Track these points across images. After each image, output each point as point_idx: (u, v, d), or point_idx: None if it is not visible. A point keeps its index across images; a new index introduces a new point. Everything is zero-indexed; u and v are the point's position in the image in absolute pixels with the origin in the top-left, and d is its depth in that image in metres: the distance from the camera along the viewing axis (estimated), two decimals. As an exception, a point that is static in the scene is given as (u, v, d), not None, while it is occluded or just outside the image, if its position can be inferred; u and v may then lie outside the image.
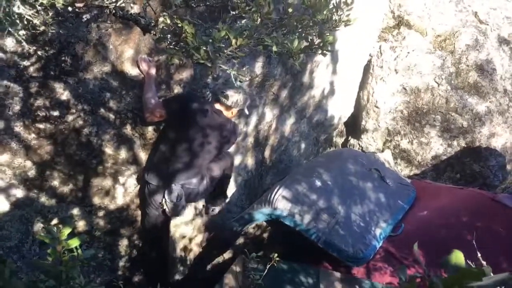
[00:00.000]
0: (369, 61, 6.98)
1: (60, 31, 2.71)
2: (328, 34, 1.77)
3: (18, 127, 2.88)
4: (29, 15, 1.11)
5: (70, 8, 1.31)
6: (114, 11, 1.70)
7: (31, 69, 2.80)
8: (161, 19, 1.62)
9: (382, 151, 6.98)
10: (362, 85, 7.04)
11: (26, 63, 2.75)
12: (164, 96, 3.45)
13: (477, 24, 7.10)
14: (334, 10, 1.81)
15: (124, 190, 3.61)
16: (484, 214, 4.17)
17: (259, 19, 1.65)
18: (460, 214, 4.24)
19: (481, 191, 5.07)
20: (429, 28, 6.98)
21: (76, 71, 2.94)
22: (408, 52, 6.86)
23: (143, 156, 3.56)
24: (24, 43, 1.25)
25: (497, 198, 4.33)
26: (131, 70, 3.19)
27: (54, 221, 3.30)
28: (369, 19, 5.84)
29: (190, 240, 4.38)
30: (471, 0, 7.23)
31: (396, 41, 6.99)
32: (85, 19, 2.82)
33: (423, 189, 5.03)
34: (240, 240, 5.02)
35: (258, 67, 4.10)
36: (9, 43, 2.65)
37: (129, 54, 3.13)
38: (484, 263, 1.91)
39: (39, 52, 2.69)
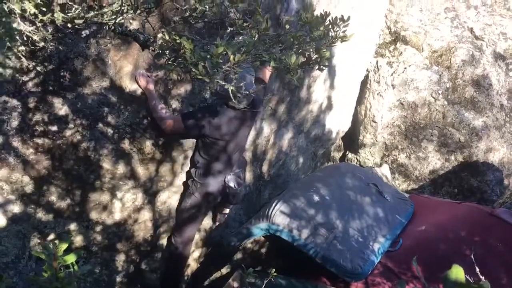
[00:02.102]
0: (366, 76, 7.03)
1: (59, 47, 2.73)
2: (325, 50, 1.79)
3: (16, 142, 2.88)
4: (29, 32, 1.12)
5: (69, 25, 1.32)
6: (113, 27, 1.72)
7: (30, 84, 2.80)
8: (159, 35, 1.63)
9: (380, 165, 6.99)
10: (360, 100, 7.08)
11: (25, 78, 2.76)
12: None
13: (473, 40, 7.17)
14: (330, 27, 1.84)
15: (122, 205, 3.59)
16: (482, 229, 4.17)
17: (256, 35, 1.67)
18: (458, 229, 4.23)
19: (479, 205, 5.07)
20: (425, 44, 7.05)
21: (74, 86, 2.95)
22: (405, 68, 6.91)
23: (141, 170, 3.56)
24: (23, 59, 1.26)
25: (495, 212, 4.33)
26: (130, 85, 3.20)
27: (51, 237, 3.28)
28: (366, 35, 5.89)
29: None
30: (466, 16, 7.31)
31: (393, 56, 7.05)
32: (84, 35, 2.84)
33: (421, 204, 5.03)
34: (238, 255, 4.99)
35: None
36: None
37: (128, 69, 3.14)
38: (483, 278, 1.91)
39: (38, 68, 2.70)
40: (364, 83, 7.01)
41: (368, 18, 5.71)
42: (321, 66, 1.78)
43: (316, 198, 4.27)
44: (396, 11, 7.23)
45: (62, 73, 2.88)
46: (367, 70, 6.94)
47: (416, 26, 7.13)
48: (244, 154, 4.03)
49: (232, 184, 3.74)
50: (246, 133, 3.78)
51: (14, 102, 2.79)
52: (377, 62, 7.05)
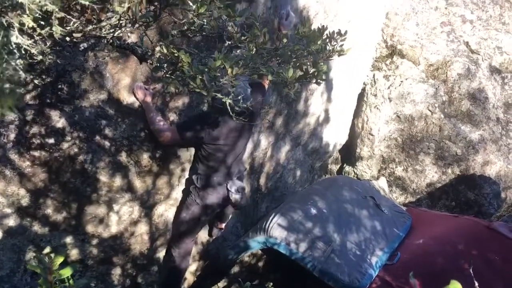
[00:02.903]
0: (363, 90, 7.07)
1: (58, 60, 2.73)
2: (322, 63, 1.80)
3: (13, 155, 2.87)
4: (27, 45, 1.13)
5: (68, 38, 1.33)
6: (111, 41, 1.72)
7: (28, 97, 2.80)
8: (157, 48, 1.64)
9: (377, 178, 6.99)
10: (357, 113, 7.11)
11: (22, 91, 2.76)
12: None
13: (469, 53, 7.23)
14: (327, 41, 1.85)
15: (118, 218, 3.57)
16: (480, 243, 4.16)
17: (254, 49, 1.68)
18: (456, 242, 4.22)
19: (476, 219, 5.07)
20: (422, 58, 7.10)
21: (72, 99, 2.95)
22: (402, 81, 6.95)
23: (138, 183, 3.55)
24: (21, 72, 1.26)
25: (493, 226, 4.33)
26: (128, 98, 3.20)
27: (47, 250, 3.24)
28: (363, 49, 5.93)
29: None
30: (462, 30, 7.38)
31: (390, 70, 7.10)
32: (82, 48, 2.85)
33: (419, 217, 5.02)
34: (235, 269, 4.96)
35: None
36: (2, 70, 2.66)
37: (125, 82, 3.15)
38: (481, 292, 1.90)
39: (35, 81, 2.70)
40: (361, 96, 7.05)
41: (365, 32, 5.76)
42: (318, 80, 1.79)
43: (313, 211, 4.26)
44: (392, 25, 7.30)
45: (60, 86, 2.88)
46: (364, 83, 6.97)
47: (412, 40, 7.20)
48: (243, 162, 4.03)
49: (234, 190, 3.74)
50: (245, 140, 3.79)
51: (12, 114, 2.78)
52: (373, 75, 7.09)
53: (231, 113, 1.68)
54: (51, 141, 2.98)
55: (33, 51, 1.17)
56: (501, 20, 7.72)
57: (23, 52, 1.18)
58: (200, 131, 3.41)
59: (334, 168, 7.78)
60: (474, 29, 7.49)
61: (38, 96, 2.83)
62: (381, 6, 6.20)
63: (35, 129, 2.90)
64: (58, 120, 2.97)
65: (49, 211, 3.18)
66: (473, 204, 6.97)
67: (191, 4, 1.60)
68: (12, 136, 2.83)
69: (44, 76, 2.80)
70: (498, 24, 7.66)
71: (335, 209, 4.41)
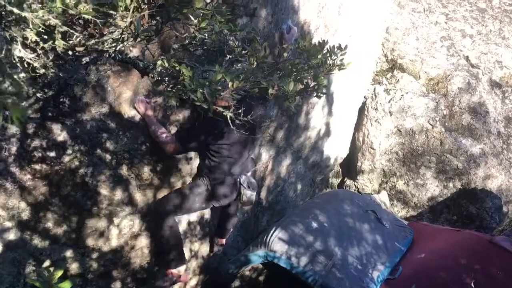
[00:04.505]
0: (364, 103, 7.09)
1: (60, 74, 2.75)
2: (322, 77, 1.80)
3: (14, 168, 2.87)
4: (30, 59, 1.14)
5: (70, 52, 1.34)
6: (113, 55, 1.74)
7: (29, 110, 2.81)
8: (159, 62, 1.65)
9: (378, 192, 6.98)
10: (357, 126, 7.12)
11: (24, 104, 2.77)
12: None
13: (469, 68, 7.26)
14: (328, 55, 1.86)
15: (119, 232, 3.56)
16: (482, 257, 4.14)
17: (255, 63, 1.69)
18: (458, 256, 4.19)
19: (478, 233, 5.05)
20: (422, 72, 7.13)
21: (74, 112, 2.96)
22: (402, 95, 6.97)
23: (138, 197, 3.54)
24: (23, 85, 1.27)
25: (494, 240, 4.30)
26: (129, 111, 3.21)
27: (46, 264, 3.24)
28: (363, 63, 5.96)
29: (185, 282, 4.30)
30: (462, 45, 7.43)
31: (390, 83, 7.13)
32: (85, 61, 2.86)
33: (420, 231, 5.00)
34: (236, 283, 4.93)
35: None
36: (7, 84, 2.67)
37: (127, 95, 3.16)
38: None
39: (37, 94, 2.72)
40: (362, 110, 7.07)
41: (365, 46, 5.79)
42: (319, 94, 1.80)
43: (314, 225, 4.24)
44: (392, 40, 7.35)
45: (61, 99, 2.89)
46: (364, 97, 7.00)
47: (413, 54, 7.24)
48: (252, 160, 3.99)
49: (246, 185, 3.73)
50: (248, 142, 3.78)
51: (13, 128, 2.79)
52: (374, 89, 7.12)
53: (231, 126, 1.68)
54: (52, 154, 2.98)
55: (36, 64, 1.18)
56: (501, 34, 7.78)
57: (25, 65, 1.19)
58: (202, 138, 3.43)
59: (335, 182, 7.77)
60: (474, 44, 7.54)
61: (40, 109, 2.84)
62: (381, 21, 6.24)
63: (36, 143, 2.90)
64: (60, 134, 2.97)
65: (49, 224, 3.17)
66: (475, 218, 6.94)
67: (192, 18, 1.61)
68: (13, 149, 2.83)
69: (46, 90, 2.81)
70: (498, 38, 7.71)
71: (336, 223, 4.39)
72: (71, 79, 2.87)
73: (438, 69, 7.15)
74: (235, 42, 1.80)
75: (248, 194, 3.75)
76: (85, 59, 2.86)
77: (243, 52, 1.79)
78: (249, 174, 3.82)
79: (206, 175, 3.65)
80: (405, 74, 7.14)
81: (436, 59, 7.23)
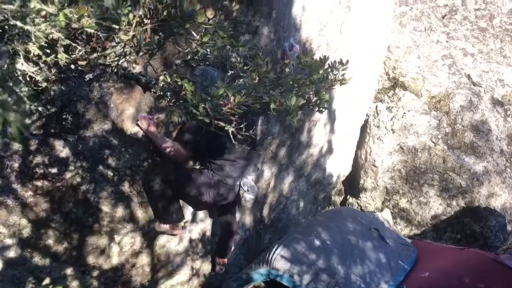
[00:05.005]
0: (366, 121, 7.09)
1: (63, 89, 2.77)
2: (324, 92, 1.81)
3: (16, 185, 2.87)
4: (32, 72, 1.14)
5: (72, 66, 1.34)
6: (116, 70, 1.74)
7: (32, 126, 2.82)
8: (161, 77, 1.66)
9: (381, 210, 6.93)
10: (360, 144, 7.11)
11: (27, 120, 2.78)
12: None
13: (471, 86, 7.28)
14: (329, 70, 1.87)
15: (120, 249, 3.54)
16: (486, 276, 4.09)
17: (257, 78, 1.69)
18: (462, 275, 4.14)
19: (483, 251, 4.99)
20: (424, 90, 7.15)
21: (76, 128, 2.97)
22: (404, 113, 6.98)
23: (140, 214, 3.53)
24: (26, 99, 1.27)
25: (499, 259, 4.26)
26: (131, 128, 3.22)
27: (46, 281, 3.21)
28: (365, 80, 5.99)
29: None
30: (464, 63, 7.47)
31: (392, 101, 7.14)
32: (88, 78, 2.88)
33: (424, 250, 4.95)
34: (238, 302, 4.87)
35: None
36: (9, 99, 2.68)
37: (130, 112, 3.17)
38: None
39: (40, 108, 2.73)
40: (364, 128, 7.07)
41: (367, 64, 5.82)
42: (321, 108, 1.80)
43: (317, 242, 4.21)
44: (394, 58, 7.39)
45: (64, 116, 2.90)
46: (366, 115, 7.01)
47: (414, 72, 7.27)
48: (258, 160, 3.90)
49: (246, 188, 3.69)
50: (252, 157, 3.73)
51: (16, 144, 2.79)
52: (376, 107, 7.13)
53: (233, 140, 1.68)
54: (54, 170, 2.98)
55: (38, 78, 1.19)
56: (502, 53, 7.82)
57: (28, 79, 1.19)
58: (206, 154, 3.46)
59: (338, 199, 7.74)
60: (476, 62, 7.58)
61: (43, 126, 2.85)
62: (383, 39, 6.28)
63: (38, 159, 2.91)
64: (62, 150, 2.97)
65: (50, 241, 3.15)
66: (479, 237, 6.88)
67: (194, 34, 1.63)
68: (15, 165, 2.83)
69: (49, 106, 2.82)
70: (499, 57, 7.75)
71: (339, 240, 4.36)
72: (74, 96, 2.88)
73: (440, 87, 7.17)
74: (237, 58, 1.81)
75: (248, 197, 3.72)
76: (89, 76, 2.88)
77: (245, 67, 1.79)
78: (250, 178, 3.80)
79: (212, 169, 3.58)
80: (407, 92, 7.16)
81: (438, 77, 7.26)
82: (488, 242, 6.81)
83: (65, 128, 2.93)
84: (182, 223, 3.71)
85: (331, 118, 5.43)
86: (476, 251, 4.88)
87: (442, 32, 7.98)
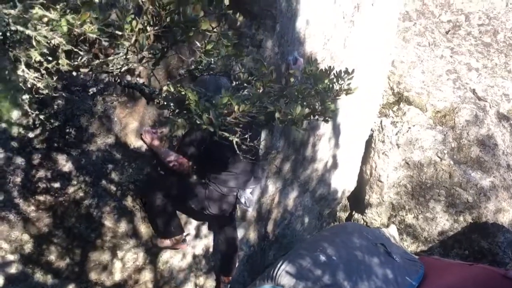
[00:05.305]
0: (371, 136, 7.06)
1: (66, 103, 2.76)
2: (329, 103, 1.78)
3: (18, 199, 2.84)
4: (33, 78, 1.12)
5: (75, 73, 1.33)
6: (119, 80, 1.73)
7: (35, 141, 2.81)
8: (165, 88, 1.64)
9: (387, 226, 6.86)
10: (365, 159, 7.07)
11: (30, 135, 2.77)
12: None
13: (476, 100, 7.26)
14: (335, 80, 1.84)
15: (122, 265, 3.49)
16: (496, 292, 4.01)
17: (261, 88, 1.67)
18: (471, 291, 4.07)
19: (492, 267, 4.91)
20: (429, 104, 7.13)
21: (79, 142, 2.96)
22: (409, 127, 6.94)
23: (143, 229, 3.49)
24: (29, 111, 1.25)
25: (509, 275, 4.18)
26: (135, 142, 3.20)
27: (48, 298, 3.17)
28: (370, 95, 5.98)
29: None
30: (468, 78, 7.45)
31: (397, 116, 7.11)
32: (91, 92, 2.87)
33: (432, 266, 4.88)
34: (242, 320, 4.79)
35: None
36: (14, 114, 2.68)
37: (133, 126, 3.16)
38: None
39: (43, 119, 2.72)
40: (369, 143, 7.03)
41: (371, 79, 5.82)
42: (327, 118, 1.77)
43: (322, 258, 4.15)
44: (398, 73, 7.38)
45: (67, 130, 2.89)
46: (371, 130, 6.98)
47: (419, 87, 7.25)
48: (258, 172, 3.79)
49: (243, 200, 3.57)
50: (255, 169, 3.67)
51: (19, 158, 2.78)
52: (381, 121, 7.10)
53: (237, 151, 1.65)
54: (57, 185, 2.96)
55: (39, 85, 1.17)
56: (506, 68, 7.81)
57: (29, 85, 1.18)
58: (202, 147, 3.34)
59: (343, 215, 7.66)
60: (480, 77, 7.57)
61: (46, 140, 2.84)
62: (387, 54, 6.29)
63: (41, 173, 2.89)
64: (65, 164, 2.96)
65: (52, 257, 3.11)
66: (487, 253, 6.78)
67: (198, 44, 1.61)
68: (18, 180, 2.81)
69: (52, 120, 2.81)
70: (504, 72, 7.74)
71: (345, 256, 4.29)
72: (78, 110, 2.88)
73: (445, 101, 7.14)
74: (241, 68, 1.80)
75: (244, 209, 3.68)
76: (92, 90, 2.88)
77: (249, 78, 1.78)
78: (248, 190, 3.65)
79: (214, 182, 3.52)
80: (411, 106, 7.14)
81: (443, 92, 7.24)
82: (497, 259, 6.71)
83: (68, 142, 2.91)
84: (183, 237, 3.68)
85: (336, 132, 5.40)
86: (485, 266, 4.80)
87: (446, 47, 7.98)
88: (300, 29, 3.94)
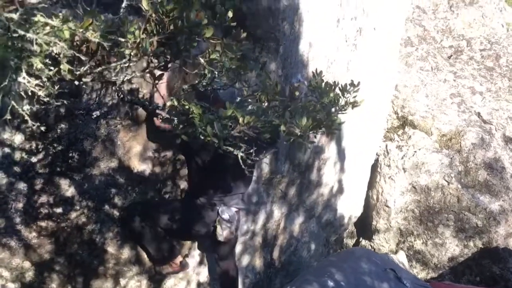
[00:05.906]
0: (377, 160, 7.00)
1: (70, 127, 2.75)
2: (336, 117, 1.75)
3: (19, 225, 2.80)
4: (34, 86, 1.10)
5: (77, 82, 1.31)
6: (121, 95, 1.71)
7: (38, 165, 2.78)
8: (168, 102, 1.62)
9: (396, 252, 6.73)
10: (371, 184, 6.98)
11: (33, 159, 2.75)
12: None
13: (481, 123, 7.22)
14: (340, 93, 1.82)
15: (125, 294, 3.41)
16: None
17: (266, 101, 1.65)
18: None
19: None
20: (434, 128, 7.09)
21: (82, 167, 2.93)
22: (415, 151, 6.88)
23: (146, 255, 3.42)
24: (29, 122, 1.23)
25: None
26: (138, 166, 3.17)
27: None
28: (374, 119, 5.96)
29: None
30: (473, 101, 7.44)
31: (402, 140, 7.07)
32: (95, 115, 2.86)
33: (444, 291, 4.75)
34: None
35: (265, 163, 4.08)
36: (18, 139, 2.67)
37: (137, 150, 3.13)
38: None
39: (45, 144, 2.70)
40: (375, 167, 6.96)
41: (375, 103, 5.81)
42: (333, 130, 1.73)
43: (330, 284, 4.03)
44: (402, 97, 7.38)
45: (70, 154, 2.87)
46: (376, 154, 6.92)
47: (423, 111, 7.23)
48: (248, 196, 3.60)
49: (225, 216, 3.20)
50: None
51: (21, 183, 2.75)
52: (386, 146, 7.05)
53: (242, 165, 1.61)
54: (59, 210, 2.92)
55: (40, 93, 1.15)
56: (510, 91, 7.81)
57: (29, 94, 1.16)
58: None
59: (350, 242, 7.53)
60: (485, 100, 7.55)
61: (48, 164, 2.81)
62: (390, 78, 6.30)
63: (43, 198, 2.85)
64: (67, 189, 2.92)
65: (53, 285, 3.05)
66: (499, 279, 6.61)
67: (202, 60, 1.60)
68: (19, 205, 2.77)
69: (55, 144, 2.79)
70: (508, 95, 7.74)
71: (353, 281, 4.18)
72: (81, 134, 2.86)
73: (450, 125, 7.10)
74: (245, 84, 1.78)
75: (224, 230, 3.22)
76: (96, 113, 2.86)
77: (254, 93, 1.76)
78: (233, 209, 3.33)
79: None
80: (416, 130, 7.09)
81: (448, 115, 7.21)
82: (509, 285, 6.53)
83: (71, 166, 2.89)
84: (181, 259, 3.56)
85: (341, 156, 5.36)
86: (498, 292, 4.67)
87: (449, 72, 8.00)
88: (303, 52, 3.96)
